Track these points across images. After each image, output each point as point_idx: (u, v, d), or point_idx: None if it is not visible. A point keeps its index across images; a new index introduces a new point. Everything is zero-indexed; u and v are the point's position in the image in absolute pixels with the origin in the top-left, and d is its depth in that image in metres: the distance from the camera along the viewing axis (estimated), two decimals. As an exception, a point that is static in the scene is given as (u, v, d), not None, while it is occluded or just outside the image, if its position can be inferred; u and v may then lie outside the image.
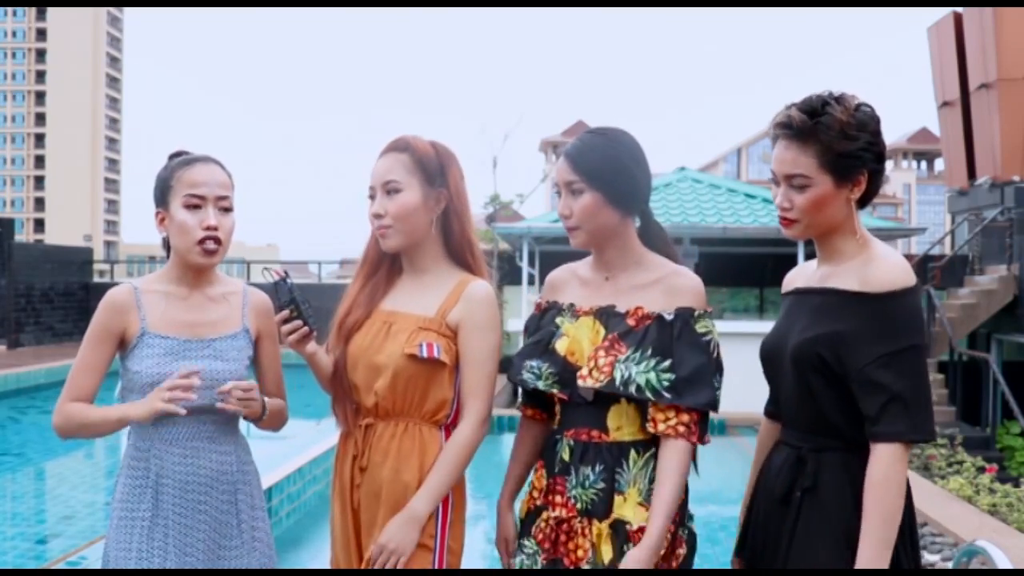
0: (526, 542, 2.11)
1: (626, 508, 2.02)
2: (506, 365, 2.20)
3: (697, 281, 2.08)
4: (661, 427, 1.98)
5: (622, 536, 2.01)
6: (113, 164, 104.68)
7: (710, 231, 12.99)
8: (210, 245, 2.11)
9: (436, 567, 2.11)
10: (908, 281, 1.81)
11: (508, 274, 15.05)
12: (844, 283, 1.87)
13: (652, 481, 2.02)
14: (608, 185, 2.05)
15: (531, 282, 13.97)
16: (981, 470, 6.45)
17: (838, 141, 1.83)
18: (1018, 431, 10.66)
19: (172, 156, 2.21)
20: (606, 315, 2.08)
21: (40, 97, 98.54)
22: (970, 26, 16.37)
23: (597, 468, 2.03)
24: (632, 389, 1.96)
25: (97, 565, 4.26)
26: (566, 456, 2.07)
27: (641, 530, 1.98)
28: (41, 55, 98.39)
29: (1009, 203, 13.22)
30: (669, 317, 2.02)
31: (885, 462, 1.77)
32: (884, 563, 1.75)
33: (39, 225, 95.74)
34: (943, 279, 13.09)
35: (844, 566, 1.80)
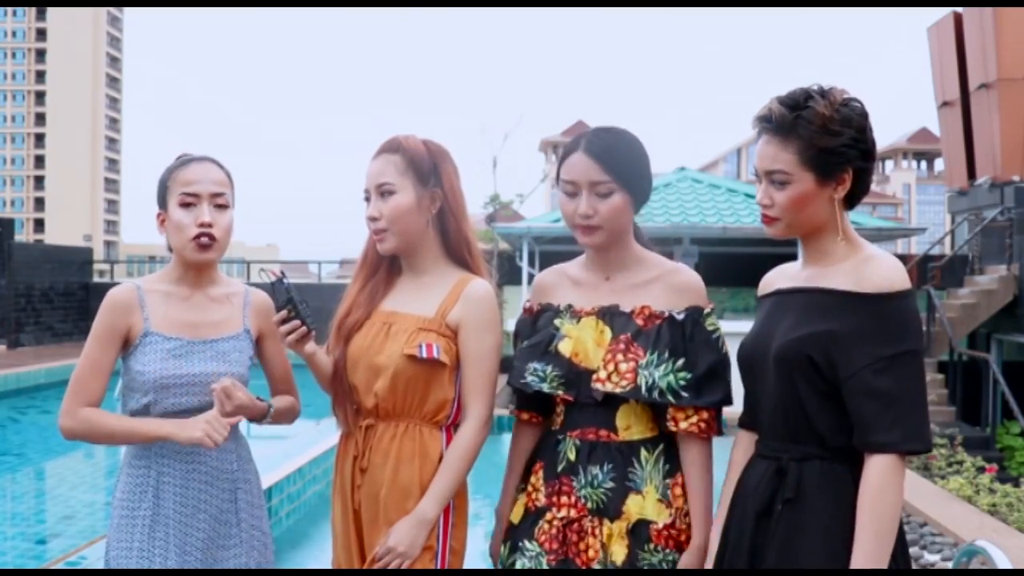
0: (527, 544, 2.07)
1: (647, 507, 2.02)
2: (506, 365, 2.19)
3: (698, 277, 2.11)
4: (683, 425, 2.01)
5: (643, 536, 2.01)
6: (113, 164, 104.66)
7: (710, 231, 13.00)
8: (204, 241, 2.11)
9: (439, 567, 2.11)
10: (905, 283, 1.73)
11: (508, 274, 15.05)
12: (836, 283, 1.78)
13: (666, 477, 2.04)
14: (636, 187, 2.07)
15: (531, 282, 13.96)
16: (981, 470, 6.44)
17: (820, 136, 1.75)
18: (1018, 431, 10.66)
19: (177, 158, 2.22)
20: (610, 315, 2.08)
21: (40, 97, 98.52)
22: (970, 26, 16.36)
23: (606, 467, 2.03)
24: (656, 394, 1.98)
25: (97, 565, 4.25)
26: (572, 456, 2.06)
27: (666, 527, 2.01)
28: (41, 55, 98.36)
29: (1009, 203, 13.21)
30: (680, 317, 2.04)
31: (880, 473, 1.67)
32: None
33: (39, 225, 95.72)
34: (943, 279, 13.09)
35: None
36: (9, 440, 9.43)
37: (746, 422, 2.00)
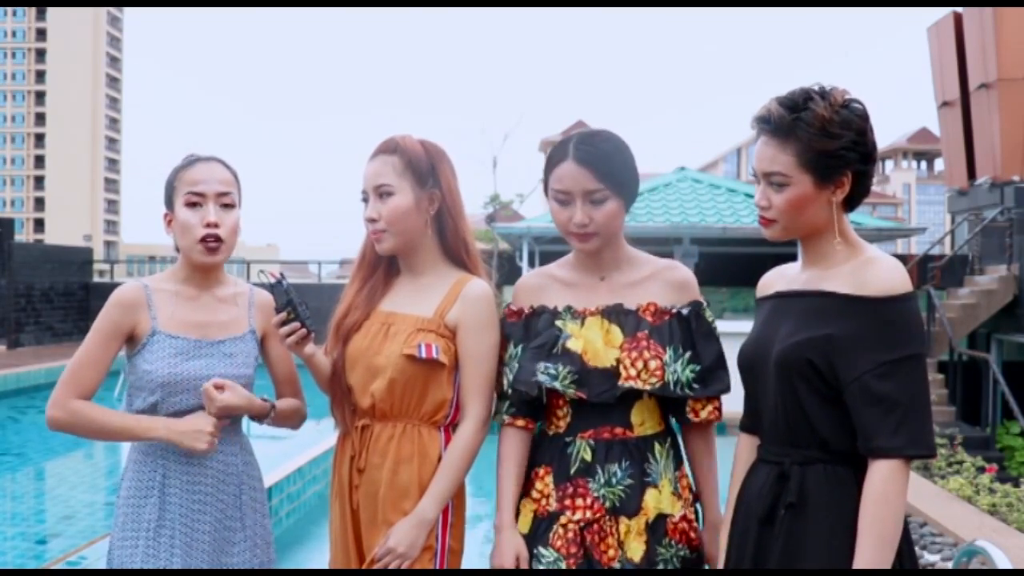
0: (543, 551, 2.04)
1: (663, 501, 2.07)
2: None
3: (690, 272, 2.18)
4: (703, 415, 2.11)
5: (661, 531, 2.04)
6: (113, 164, 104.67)
7: (710, 231, 13.00)
8: (211, 244, 2.11)
9: (438, 567, 2.11)
10: (907, 286, 1.70)
11: (508, 274, 15.05)
12: (836, 286, 1.75)
13: (676, 470, 2.12)
14: (628, 191, 2.09)
15: (531, 282, 13.94)
16: (981, 470, 6.44)
17: (819, 139, 1.72)
18: (1018, 431, 10.65)
19: (184, 159, 2.22)
20: (615, 314, 2.09)
21: (40, 97, 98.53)
22: (970, 26, 16.36)
23: (624, 464, 2.05)
24: (679, 389, 2.05)
25: (97, 565, 4.25)
26: (588, 457, 2.06)
27: (683, 519, 2.08)
28: (41, 55, 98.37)
29: (1009, 203, 13.21)
30: (685, 312, 2.10)
31: (883, 479, 1.66)
32: None
33: (39, 225, 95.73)
34: (943, 279, 13.09)
35: None
36: (9, 440, 9.43)
37: (747, 426, 1.99)
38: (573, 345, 2.06)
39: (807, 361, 1.73)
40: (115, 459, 8.06)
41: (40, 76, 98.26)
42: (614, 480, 2.04)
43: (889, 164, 76.20)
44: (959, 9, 16.97)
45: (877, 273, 1.71)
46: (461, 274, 2.22)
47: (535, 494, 2.11)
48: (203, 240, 2.11)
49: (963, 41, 16.68)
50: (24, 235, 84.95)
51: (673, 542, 2.05)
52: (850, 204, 1.82)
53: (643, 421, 2.08)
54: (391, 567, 2.05)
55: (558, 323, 2.11)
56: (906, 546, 1.75)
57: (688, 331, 2.09)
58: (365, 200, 2.20)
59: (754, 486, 1.86)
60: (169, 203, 2.17)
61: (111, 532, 2.15)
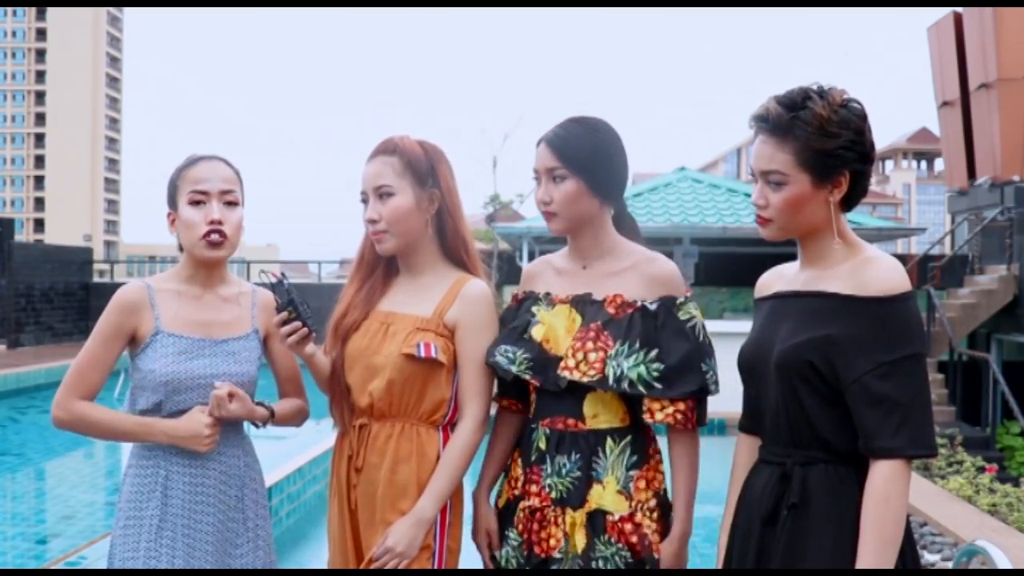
0: (510, 533, 2.11)
1: (605, 498, 2.03)
2: None
3: (673, 266, 2.11)
4: (658, 416, 2.01)
5: (599, 527, 2.01)
6: (113, 164, 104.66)
7: (710, 231, 13.00)
8: (214, 238, 2.12)
9: (436, 567, 2.11)
10: (906, 285, 1.69)
11: (508, 274, 15.05)
12: (835, 286, 1.74)
13: (630, 469, 2.04)
14: (590, 172, 2.07)
15: (531, 282, 13.95)
16: (981, 470, 6.44)
17: (817, 138, 1.71)
18: (1018, 431, 10.66)
19: (187, 158, 2.23)
20: (582, 303, 2.10)
21: (40, 97, 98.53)
22: (970, 26, 16.36)
23: (573, 457, 2.04)
24: (625, 385, 1.98)
25: (97, 565, 4.25)
26: (542, 445, 2.08)
27: (622, 520, 2.01)
28: (41, 55, 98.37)
29: (1009, 203, 13.22)
30: (652, 307, 2.04)
31: (884, 479, 1.65)
32: None
33: (39, 225, 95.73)
34: (943, 279, 13.09)
35: None
36: (9, 440, 9.43)
37: (747, 426, 1.99)
38: (536, 332, 2.09)
39: (807, 362, 1.73)
40: (115, 459, 8.06)
41: (40, 76, 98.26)
42: (563, 471, 2.04)
43: (889, 164, 76.19)
44: (959, 9, 16.97)
45: (876, 273, 1.70)
46: (460, 274, 2.22)
47: (510, 476, 2.17)
48: (207, 236, 2.11)
49: (963, 41, 16.67)
50: (24, 235, 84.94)
51: (612, 540, 2.01)
52: (848, 204, 1.81)
53: (596, 414, 2.05)
54: (389, 566, 2.05)
55: (533, 308, 2.14)
56: (908, 546, 1.75)
57: (653, 327, 2.02)
58: (364, 201, 2.20)
59: (756, 487, 1.85)
60: (172, 202, 2.17)
61: (112, 532, 2.15)
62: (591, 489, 2.03)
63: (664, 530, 2.06)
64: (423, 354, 2.10)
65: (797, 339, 1.75)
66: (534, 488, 2.08)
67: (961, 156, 16.72)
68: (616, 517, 2.01)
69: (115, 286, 2.23)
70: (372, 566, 2.08)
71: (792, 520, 1.75)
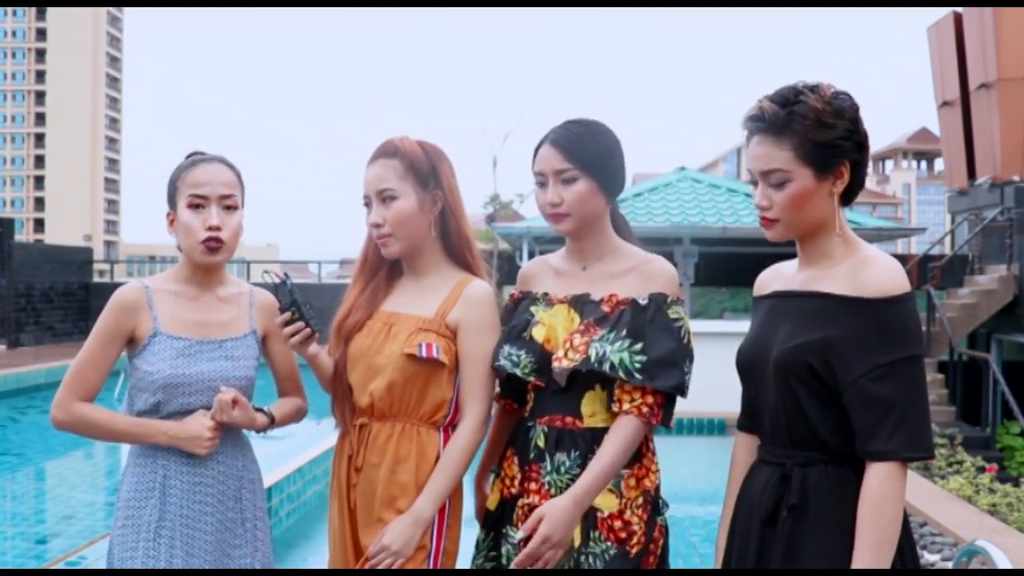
0: (510, 530, 2.11)
1: (598, 496, 2.04)
2: None
3: (671, 268, 2.13)
4: (626, 406, 2.00)
5: (591, 522, 2.03)
6: (113, 164, 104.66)
7: (710, 231, 13.00)
8: (212, 244, 2.11)
9: (432, 568, 2.11)
10: (905, 286, 1.68)
11: (508, 274, 15.05)
12: (833, 287, 1.73)
13: (623, 467, 2.06)
14: (599, 172, 2.09)
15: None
16: (981, 470, 6.44)
17: (815, 130, 1.71)
18: (1018, 431, 10.66)
19: (188, 156, 2.22)
20: (581, 303, 2.11)
21: (40, 97, 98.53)
22: (970, 26, 16.37)
23: (572, 454, 2.05)
24: (606, 367, 1.98)
25: (97, 565, 4.25)
26: (541, 443, 2.08)
27: (611, 516, 2.02)
28: (41, 55, 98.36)
29: (1009, 203, 13.22)
30: (643, 302, 2.06)
31: (880, 481, 1.64)
32: None
33: (39, 225, 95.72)
34: (943, 279, 13.09)
35: None
36: (9, 440, 9.42)
37: (745, 425, 1.99)
38: (536, 332, 2.10)
39: (805, 364, 1.72)
40: (115, 459, 8.05)
41: (40, 76, 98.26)
42: (562, 468, 2.05)
43: (889, 164, 76.19)
44: (959, 9, 16.97)
45: (874, 274, 1.69)
46: (463, 275, 2.22)
47: (503, 474, 2.16)
48: (204, 242, 2.11)
49: (963, 41, 16.68)
50: (24, 235, 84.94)
51: (600, 537, 2.02)
52: (846, 199, 1.80)
53: (594, 412, 2.07)
54: (383, 566, 2.05)
55: (532, 308, 2.15)
56: (908, 545, 1.75)
57: (642, 321, 2.03)
58: (367, 205, 2.19)
59: (755, 487, 1.85)
60: (172, 202, 2.17)
61: (111, 532, 2.15)
62: None
63: (651, 527, 2.07)
64: (424, 354, 2.10)
65: (795, 341, 1.74)
66: (533, 486, 2.09)
67: (961, 156, 16.73)
68: (606, 514, 2.03)
69: (115, 286, 2.23)
70: (367, 565, 2.08)
71: (792, 521, 1.75)
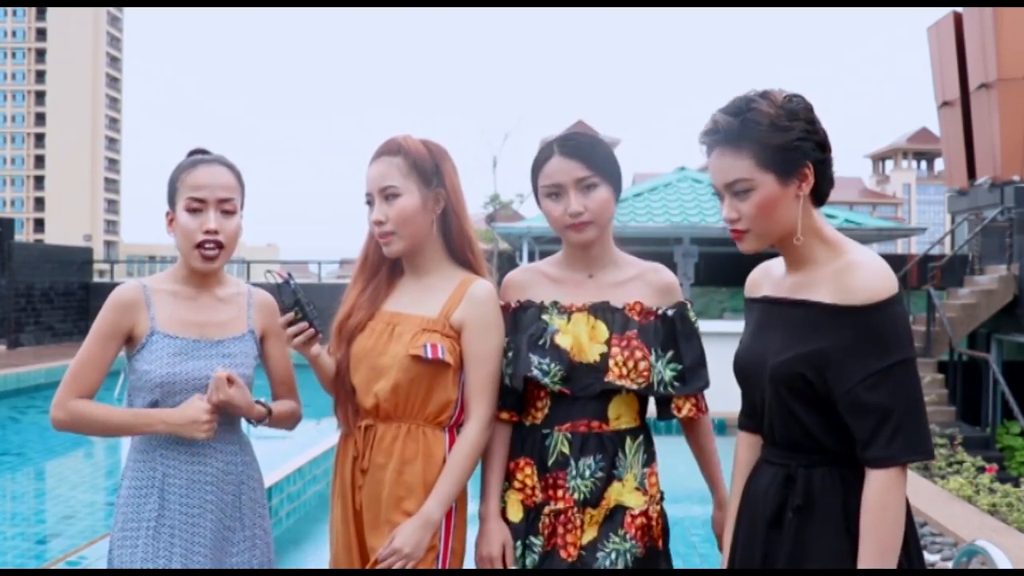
0: (534, 539, 2.12)
1: (625, 494, 2.11)
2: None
3: (673, 276, 2.26)
4: (684, 412, 2.15)
5: (617, 521, 2.08)
6: (113, 164, 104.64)
7: (710, 231, 13.00)
8: (208, 250, 2.11)
9: (441, 567, 2.11)
10: (891, 289, 1.66)
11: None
12: (820, 294, 1.72)
13: (644, 466, 2.15)
14: (616, 181, 2.15)
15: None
16: (981, 470, 6.43)
17: (770, 134, 1.70)
18: (1018, 431, 10.65)
19: (189, 154, 2.21)
20: (601, 310, 2.14)
21: (40, 97, 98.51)
22: (970, 26, 16.36)
23: (597, 457, 2.10)
24: (661, 388, 2.11)
25: (97, 565, 4.25)
26: (566, 449, 2.10)
27: (642, 514, 2.11)
28: (41, 55, 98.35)
29: (1009, 203, 13.21)
30: (671, 313, 2.16)
31: (881, 487, 1.64)
32: None
33: (39, 225, 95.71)
34: (943, 279, 13.08)
35: None
36: (9, 440, 9.42)
37: (746, 424, 1.99)
38: (562, 341, 2.11)
39: (800, 375, 1.72)
40: (115, 459, 8.06)
41: (40, 76, 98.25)
42: (587, 473, 2.10)
43: (889, 164, 76.18)
44: (959, 9, 16.97)
45: (859, 279, 1.67)
46: (466, 274, 2.22)
47: (517, 484, 2.16)
48: (201, 245, 2.10)
49: (963, 41, 16.68)
50: (24, 235, 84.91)
51: (628, 536, 2.08)
52: (817, 199, 1.79)
53: (619, 416, 2.13)
54: (395, 567, 2.05)
55: (544, 317, 2.16)
56: (913, 546, 1.75)
57: (672, 332, 2.15)
58: (370, 203, 2.19)
59: (760, 487, 1.85)
60: (171, 202, 2.16)
61: (111, 531, 2.15)
62: (610, 487, 2.10)
63: (664, 523, 2.18)
64: (430, 355, 2.10)
65: (788, 354, 1.74)
66: (560, 492, 2.11)
67: (961, 156, 16.73)
68: (636, 511, 2.10)
69: (115, 286, 2.23)
70: (378, 567, 2.07)
71: (797, 523, 1.75)
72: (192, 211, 2.11)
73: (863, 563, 1.65)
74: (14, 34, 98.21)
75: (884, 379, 1.64)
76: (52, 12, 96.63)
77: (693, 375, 2.14)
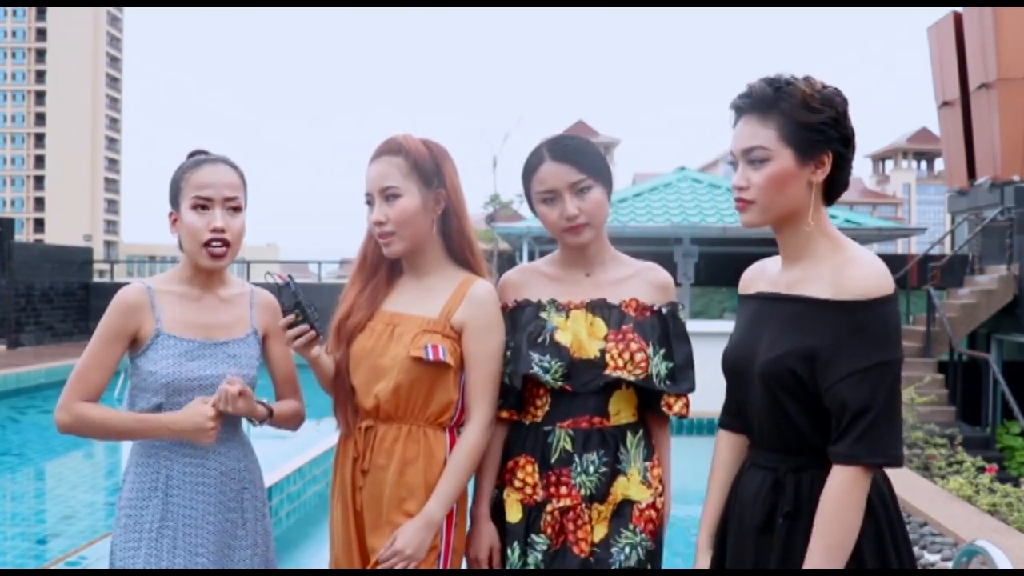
0: (536, 538, 2.12)
1: (631, 488, 2.14)
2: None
3: (668, 275, 2.28)
4: (676, 408, 2.17)
5: (625, 515, 2.11)
6: (113, 164, 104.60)
7: (710, 231, 12.99)
8: (216, 248, 2.11)
9: (442, 567, 2.11)
10: (886, 288, 1.65)
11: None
12: (815, 290, 1.71)
13: (646, 460, 2.17)
14: (608, 182, 2.18)
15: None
16: (981, 470, 6.43)
17: (801, 111, 1.70)
18: (1018, 431, 10.65)
19: (190, 155, 2.21)
20: (599, 307, 2.17)
21: (40, 97, 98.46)
22: (970, 26, 16.36)
23: (600, 453, 2.12)
24: (659, 382, 2.13)
25: (97, 565, 4.25)
26: (568, 446, 2.12)
27: (650, 507, 2.14)
28: (41, 55, 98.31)
29: (1009, 203, 13.20)
30: (665, 311, 2.20)
31: (840, 487, 1.63)
32: None
33: (39, 225, 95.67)
34: (943, 279, 13.07)
35: None
36: (9, 440, 9.42)
37: (728, 423, 1.98)
38: (561, 338, 2.13)
39: (790, 372, 1.70)
40: (116, 459, 8.05)
41: (40, 76, 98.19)
42: (591, 468, 2.11)
43: (889, 164, 76.17)
44: (959, 9, 16.96)
45: (856, 275, 1.67)
46: (466, 275, 2.21)
47: (517, 483, 2.16)
48: (209, 244, 2.10)
49: (963, 41, 16.67)
50: (24, 235, 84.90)
51: (638, 529, 2.12)
52: (828, 196, 1.78)
53: (619, 411, 2.16)
54: (397, 568, 2.05)
55: (542, 315, 2.18)
56: (905, 547, 1.74)
57: (665, 330, 2.18)
58: (369, 203, 2.18)
59: (748, 492, 1.82)
60: (174, 202, 2.16)
61: (113, 533, 2.15)
62: (616, 481, 2.12)
63: (662, 514, 2.21)
64: (431, 357, 2.09)
65: (780, 350, 1.72)
66: (564, 489, 2.12)
67: (961, 156, 16.72)
68: (644, 504, 2.13)
69: (115, 286, 2.22)
70: (380, 567, 2.07)
71: (788, 528, 1.73)
72: (198, 209, 2.11)
73: (809, 560, 1.64)
74: (14, 34, 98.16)
75: (865, 377, 1.63)
76: (52, 12, 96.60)
77: (682, 375, 2.17)
